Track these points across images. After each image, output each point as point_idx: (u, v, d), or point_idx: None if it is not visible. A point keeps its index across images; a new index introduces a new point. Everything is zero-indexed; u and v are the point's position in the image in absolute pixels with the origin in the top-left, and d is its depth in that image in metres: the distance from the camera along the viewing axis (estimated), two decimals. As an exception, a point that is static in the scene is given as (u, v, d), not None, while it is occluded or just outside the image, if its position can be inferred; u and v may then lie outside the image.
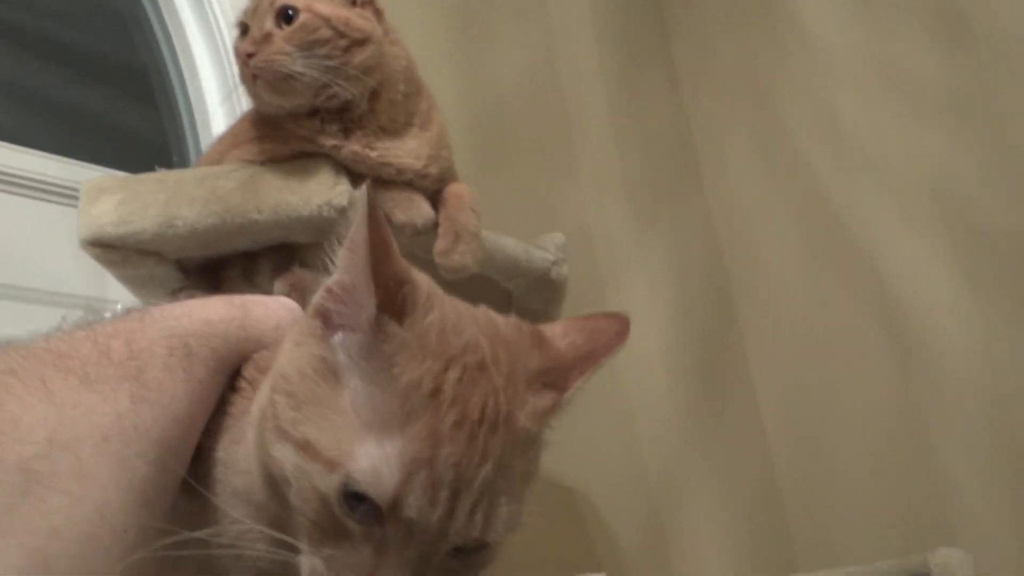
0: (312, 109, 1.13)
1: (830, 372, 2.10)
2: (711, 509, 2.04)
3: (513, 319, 0.54)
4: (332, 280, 0.50)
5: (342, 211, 1.09)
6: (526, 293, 1.43)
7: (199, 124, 1.61)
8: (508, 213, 1.66)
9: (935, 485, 1.90)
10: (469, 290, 0.55)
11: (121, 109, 1.65)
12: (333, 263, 0.50)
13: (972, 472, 1.85)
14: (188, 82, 1.62)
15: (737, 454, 2.13)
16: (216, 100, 1.58)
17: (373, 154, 1.14)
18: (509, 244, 1.37)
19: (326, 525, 0.46)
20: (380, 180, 1.15)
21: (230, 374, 0.57)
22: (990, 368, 1.85)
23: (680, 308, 2.16)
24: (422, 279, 0.51)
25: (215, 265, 1.19)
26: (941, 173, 1.95)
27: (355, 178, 1.14)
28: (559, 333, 0.54)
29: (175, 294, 1.15)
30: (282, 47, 1.07)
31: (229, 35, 1.45)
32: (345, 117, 1.14)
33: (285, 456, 0.47)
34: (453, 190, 1.23)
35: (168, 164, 1.20)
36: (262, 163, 1.15)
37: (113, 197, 1.12)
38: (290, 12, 1.09)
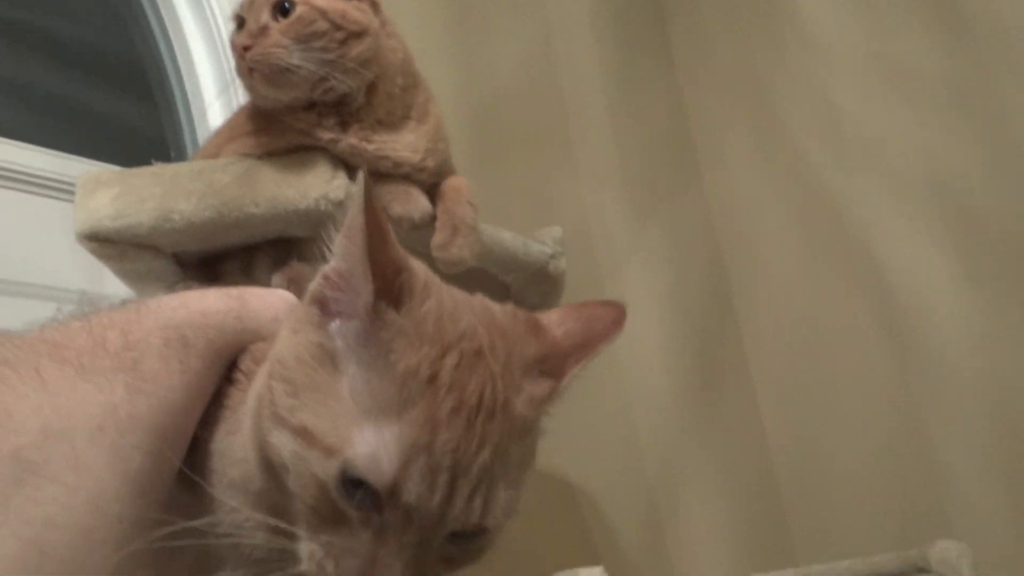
0: (309, 102, 1.13)
1: (828, 366, 2.10)
2: (709, 502, 2.04)
3: (509, 307, 0.54)
4: (329, 267, 0.50)
5: (339, 205, 1.08)
6: (524, 287, 1.43)
7: (196, 118, 1.60)
8: (506, 207, 1.66)
9: (933, 478, 1.90)
10: (467, 283, 0.54)
11: (118, 104, 1.64)
12: (330, 250, 0.50)
13: (970, 465, 1.85)
14: (185, 76, 1.62)
15: (735, 447, 2.14)
16: (213, 94, 1.57)
17: (370, 147, 1.14)
18: (507, 237, 1.37)
19: (324, 511, 0.46)
20: (377, 173, 1.15)
21: (226, 365, 0.57)
22: (988, 361, 1.85)
23: (678, 302, 2.16)
24: (419, 267, 0.51)
25: (213, 259, 1.19)
26: (940, 168, 1.95)
27: (352, 172, 1.14)
28: (555, 321, 0.54)
29: (173, 289, 1.15)
30: (278, 40, 1.07)
31: (226, 28, 1.44)
32: (342, 110, 1.14)
33: (283, 443, 0.47)
34: (451, 183, 1.23)
35: (165, 158, 1.20)
36: (259, 157, 1.15)
37: (109, 191, 1.12)
38: (286, 5, 1.08)
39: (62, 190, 1.37)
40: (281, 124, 1.15)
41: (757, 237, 2.25)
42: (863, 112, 2.09)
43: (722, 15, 2.38)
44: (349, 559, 0.45)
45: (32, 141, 1.41)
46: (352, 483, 0.45)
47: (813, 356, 2.13)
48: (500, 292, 1.41)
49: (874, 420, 2.01)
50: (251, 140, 1.16)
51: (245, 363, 0.58)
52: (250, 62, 1.07)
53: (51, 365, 0.48)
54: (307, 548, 0.47)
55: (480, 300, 0.53)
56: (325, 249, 0.51)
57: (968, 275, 1.90)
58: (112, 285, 1.25)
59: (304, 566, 0.46)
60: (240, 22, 1.12)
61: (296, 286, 0.88)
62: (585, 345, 0.53)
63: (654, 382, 2.05)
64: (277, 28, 1.07)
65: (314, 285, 0.51)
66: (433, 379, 0.46)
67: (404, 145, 1.17)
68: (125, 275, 1.18)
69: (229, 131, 1.21)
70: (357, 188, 0.48)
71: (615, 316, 0.55)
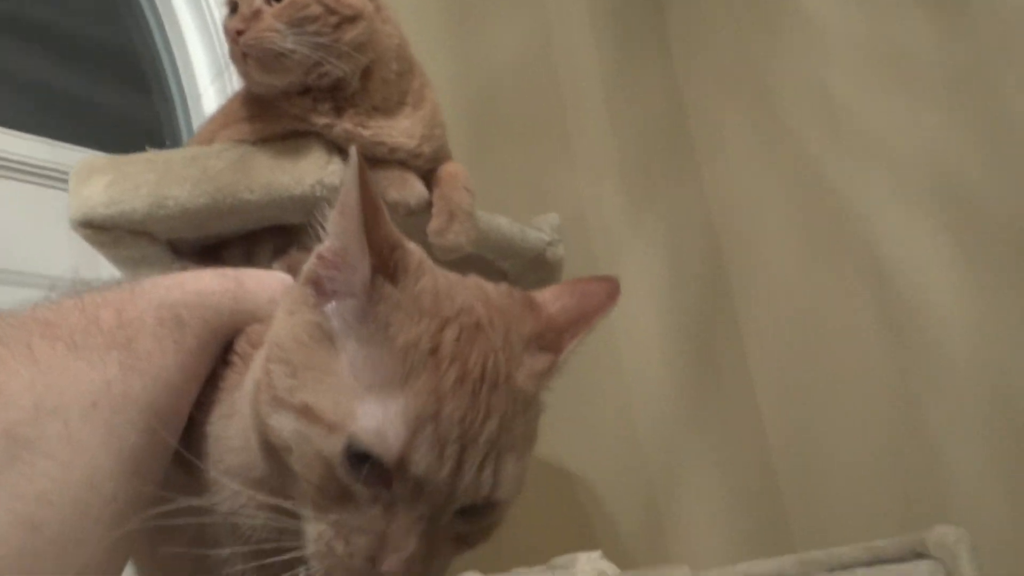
0: (304, 87, 1.12)
1: (826, 353, 2.10)
2: (708, 489, 2.04)
3: (503, 286, 0.54)
4: (324, 247, 0.50)
5: (334, 190, 1.07)
6: (521, 273, 1.43)
7: (190, 105, 1.60)
8: (503, 196, 1.65)
9: (931, 464, 1.90)
10: (463, 270, 0.54)
11: (112, 92, 1.63)
12: (323, 229, 0.50)
13: (968, 451, 1.85)
14: (179, 62, 1.61)
15: (733, 434, 2.14)
16: (207, 80, 1.57)
17: (366, 133, 1.13)
18: (504, 224, 1.37)
19: (331, 490, 0.45)
20: (373, 159, 1.15)
21: (222, 346, 0.57)
22: (986, 348, 1.85)
23: (676, 290, 2.16)
24: (413, 247, 0.51)
25: (215, 247, 1.19)
26: (938, 154, 1.95)
27: (347, 157, 1.13)
28: (550, 298, 0.54)
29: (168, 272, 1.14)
30: (272, 24, 1.06)
31: (219, 14, 1.43)
32: (337, 95, 1.13)
33: (284, 424, 0.46)
34: (447, 169, 1.23)
35: (159, 146, 1.19)
36: (253, 143, 1.14)
37: (103, 178, 1.11)
38: (280, -12, 1.07)
39: (57, 179, 1.36)
40: (276, 110, 1.14)
41: (755, 226, 2.25)
42: (861, 101, 2.08)
43: (720, 4, 2.37)
44: (359, 537, 0.45)
45: (26, 130, 1.41)
46: (358, 458, 0.44)
47: (811, 344, 2.13)
48: (497, 279, 1.39)
49: (872, 407, 2.01)
50: (245, 126, 1.15)
51: (241, 345, 0.57)
52: (243, 47, 1.06)
53: (43, 343, 0.48)
54: (314, 529, 0.46)
55: (474, 280, 0.53)
56: (319, 227, 0.50)
57: (965, 259, 1.89)
58: (107, 274, 1.24)
59: (312, 548, 0.46)
60: (233, 7, 1.11)
61: (295, 273, 0.88)
62: (581, 319, 0.53)
63: (652, 369, 2.05)
64: (270, 12, 1.07)
65: (308, 265, 0.51)
66: (435, 351, 0.46)
67: (400, 131, 1.16)
68: (120, 262, 1.17)
69: (223, 117, 1.21)
70: (350, 165, 0.47)
71: (609, 290, 0.54)
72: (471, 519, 0.47)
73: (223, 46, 1.26)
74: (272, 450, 0.48)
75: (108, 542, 0.46)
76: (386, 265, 0.48)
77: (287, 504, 0.47)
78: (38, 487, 0.44)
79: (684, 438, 2.05)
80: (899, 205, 2.01)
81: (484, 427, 0.45)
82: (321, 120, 1.12)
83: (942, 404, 1.91)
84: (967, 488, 1.84)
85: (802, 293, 2.16)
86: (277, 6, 1.06)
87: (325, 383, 0.46)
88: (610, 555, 1.12)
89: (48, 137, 1.42)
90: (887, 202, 2.02)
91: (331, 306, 0.49)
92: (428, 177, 1.21)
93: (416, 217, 1.17)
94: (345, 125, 1.13)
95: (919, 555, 1.28)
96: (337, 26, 1.08)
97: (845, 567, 1.30)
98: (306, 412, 0.46)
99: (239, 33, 1.06)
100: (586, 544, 1.06)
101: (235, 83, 1.25)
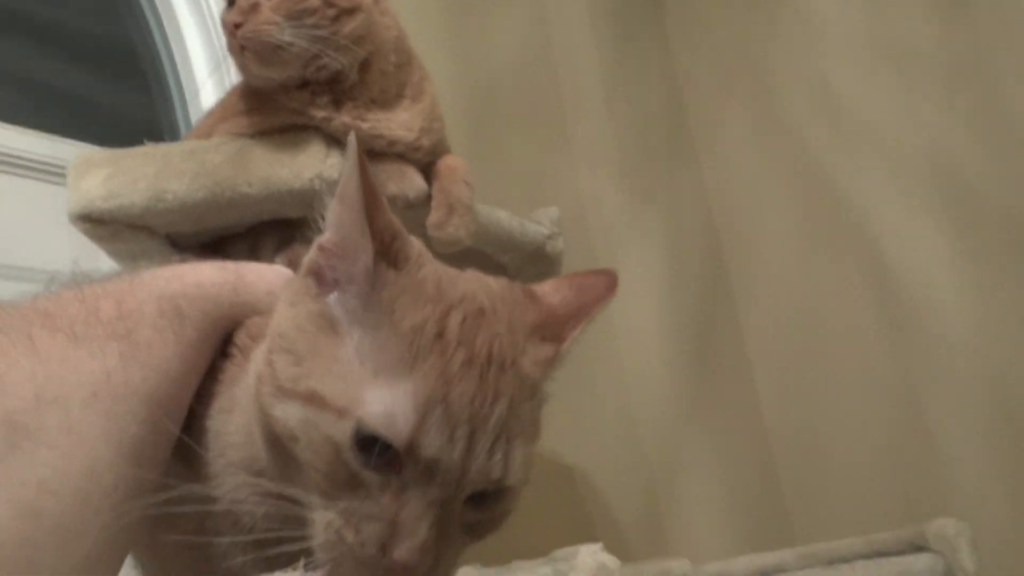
0: (302, 80, 1.12)
1: (826, 346, 2.10)
2: (708, 483, 2.04)
3: (503, 279, 0.54)
4: (324, 237, 0.50)
5: (333, 184, 1.07)
6: (521, 267, 1.43)
7: (188, 99, 1.59)
8: (502, 189, 1.65)
9: (931, 457, 1.90)
10: (463, 264, 0.55)
11: (110, 86, 1.63)
12: (323, 219, 0.50)
13: (968, 443, 1.85)
14: (176, 56, 1.61)
15: (733, 428, 2.14)
16: (204, 73, 1.56)
17: (364, 126, 1.13)
18: (503, 217, 1.37)
19: (340, 477, 0.45)
20: (372, 152, 1.14)
21: (222, 339, 0.57)
22: (986, 341, 1.85)
23: (675, 283, 2.16)
24: (413, 239, 0.51)
25: (220, 242, 1.19)
26: (937, 145, 1.94)
27: (346, 150, 1.12)
28: (549, 291, 0.54)
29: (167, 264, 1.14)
30: (270, 17, 1.05)
31: (217, 7, 1.43)
32: (336, 88, 1.13)
33: (290, 413, 0.46)
34: (446, 162, 1.22)
35: (158, 140, 1.19)
36: (252, 136, 1.14)
37: (101, 171, 1.11)
38: (278, -19, 1.07)
39: (56, 174, 1.36)
40: (274, 103, 1.14)
41: (754, 218, 2.24)
42: (860, 93, 2.08)
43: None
44: (370, 525, 0.44)
45: (24, 126, 1.40)
46: (367, 443, 0.44)
47: (810, 336, 2.13)
48: (497, 273, 1.38)
49: (872, 400, 2.01)
50: (244, 119, 1.15)
51: (240, 338, 0.57)
52: (241, 40, 1.06)
53: (43, 333, 0.48)
54: (323, 518, 0.45)
55: (473, 273, 0.54)
56: (319, 217, 0.50)
57: (964, 251, 1.89)
58: (106, 269, 1.24)
59: (320, 537, 0.45)
60: (231, 0, 1.10)
61: (297, 267, 0.88)
62: (581, 310, 0.53)
63: (651, 362, 2.05)
64: (268, 5, 1.06)
65: (309, 257, 0.51)
66: (440, 335, 0.46)
67: (398, 123, 1.16)
68: (119, 256, 1.17)
69: (222, 110, 1.20)
70: (348, 153, 0.48)
71: (608, 282, 0.55)
72: (481, 507, 0.47)
73: (221, 39, 1.26)
74: (277, 442, 0.48)
75: (109, 532, 0.46)
76: (388, 251, 0.48)
77: (292, 490, 0.47)
78: (39, 476, 0.44)
79: (684, 432, 2.05)
80: (899, 198, 2.00)
81: (494, 409, 0.45)
82: (320, 113, 1.12)
83: (942, 398, 1.91)
84: (967, 481, 1.84)
85: (802, 287, 2.15)
86: (275, -1, 1.06)
87: (331, 370, 0.46)
88: (610, 549, 1.12)
89: (46, 132, 1.42)
90: (887, 196, 2.02)
91: (334, 296, 0.49)
92: (427, 170, 1.21)
93: (415, 210, 1.17)
94: (343, 118, 1.12)
95: (919, 548, 1.28)
96: (335, 18, 1.08)
97: (845, 560, 1.30)
98: (313, 399, 0.45)
99: (237, 26, 1.06)
100: (586, 538, 1.06)
101: (233, 76, 1.24)
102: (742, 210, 2.27)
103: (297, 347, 0.48)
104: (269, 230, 1.16)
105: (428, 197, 1.19)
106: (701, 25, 2.38)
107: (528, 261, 1.44)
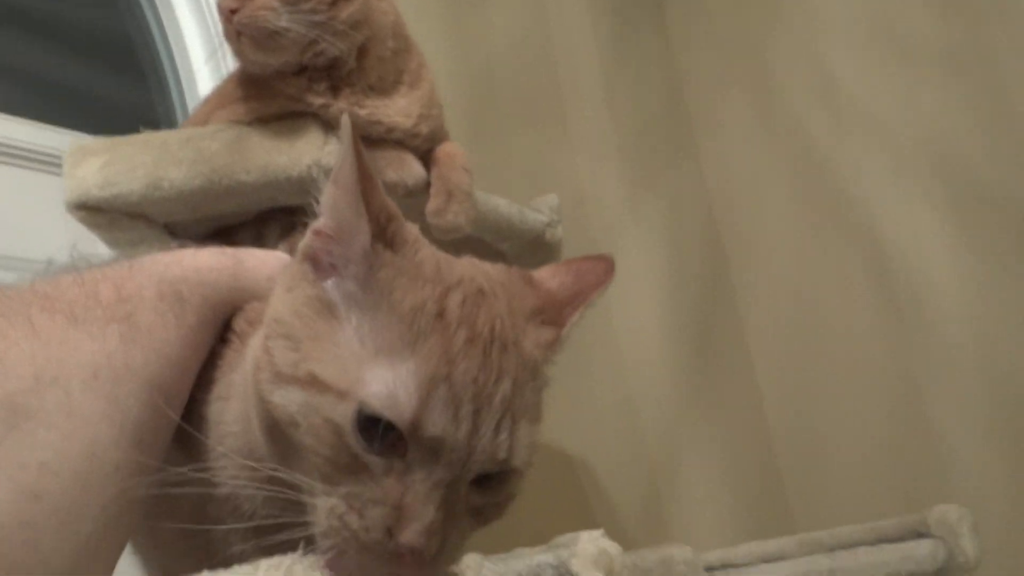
0: (299, 67, 1.11)
1: (826, 334, 2.09)
2: (709, 471, 2.04)
3: (500, 265, 0.54)
4: (319, 222, 0.50)
5: (331, 171, 1.07)
6: (520, 255, 1.42)
7: (185, 86, 1.58)
8: (501, 177, 1.65)
9: (932, 444, 1.90)
10: (462, 251, 0.54)
11: (106, 75, 1.62)
12: (318, 203, 0.50)
13: (968, 430, 1.85)
14: (172, 42, 1.60)
15: (734, 416, 2.14)
16: (201, 59, 1.55)
17: (362, 112, 1.12)
18: (502, 205, 1.36)
19: (342, 461, 0.44)
20: (369, 139, 1.13)
21: (222, 324, 0.57)
22: (985, 326, 1.85)
23: (675, 271, 2.16)
24: (410, 224, 0.50)
25: (227, 230, 1.18)
26: (939, 136, 1.94)
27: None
28: (547, 276, 0.54)
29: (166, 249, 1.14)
30: (266, 2, 1.04)
31: (213, -7, 1.42)
32: (333, 75, 1.12)
33: (289, 399, 0.45)
34: (445, 149, 1.22)
35: (154, 128, 1.18)
36: (249, 123, 1.13)
37: (98, 159, 1.10)
38: (274, -35, 1.06)
39: (53, 164, 1.35)
40: (271, 90, 1.13)
41: (754, 207, 2.24)
42: (861, 80, 2.07)
43: (718, -17, 2.35)
44: (374, 509, 0.43)
45: (20, 115, 1.40)
46: (370, 425, 0.43)
47: (811, 325, 2.12)
48: (496, 260, 1.39)
49: (873, 387, 2.01)
50: (241, 106, 1.14)
51: (239, 323, 0.57)
52: (237, 25, 1.05)
53: (43, 315, 0.48)
54: (326, 503, 0.44)
55: (470, 259, 0.53)
56: (313, 202, 0.50)
57: (964, 238, 1.89)
58: (104, 255, 1.23)
59: (323, 523, 0.44)
60: (227, -15, 1.09)
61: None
62: (580, 294, 0.53)
63: (651, 351, 2.05)
64: (264, -10, 1.05)
65: (305, 242, 0.51)
66: (441, 315, 0.46)
67: (396, 110, 1.15)
68: (116, 245, 1.16)
69: (218, 98, 1.20)
70: (343, 135, 0.47)
71: (605, 267, 0.55)
72: (487, 490, 0.47)
73: (217, 26, 1.25)
74: (276, 429, 0.47)
75: (109, 515, 0.46)
76: (384, 233, 0.47)
77: (293, 475, 0.46)
78: (39, 458, 0.43)
79: (685, 419, 2.05)
80: (899, 186, 2.00)
81: (498, 388, 0.45)
82: (317, 100, 1.11)
83: (943, 385, 1.90)
84: (968, 468, 1.84)
85: (802, 277, 2.15)
86: (272, -17, 1.05)
87: (331, 353, 0.45)
88: (612, 537, 1.12)
89: (42, 122, 1.41)
90: (888, 186, 2.01)
91: (331, 282, 0.48)
92: (425, 158, 1.20)
93: (414, 198, 1.16)
94: (341, 105, 1.11)
95: (920, 534, 1.27)
96: (333, 3, 1.07)
97: (846, 547, 1.30)
98: (313, 382, 0.45)
99: (233, 12, 1.05)
100: (588, 526, 1.05)
101: (230, 63, 1.23)
102: (741, 197, 2.26)
103: (295, 332, 0.47)
104: (274, 218, 1.16)
105: (427, 184, 1.18)
106: (701, 15, 2.37)
107: (527, 249, 1.43)
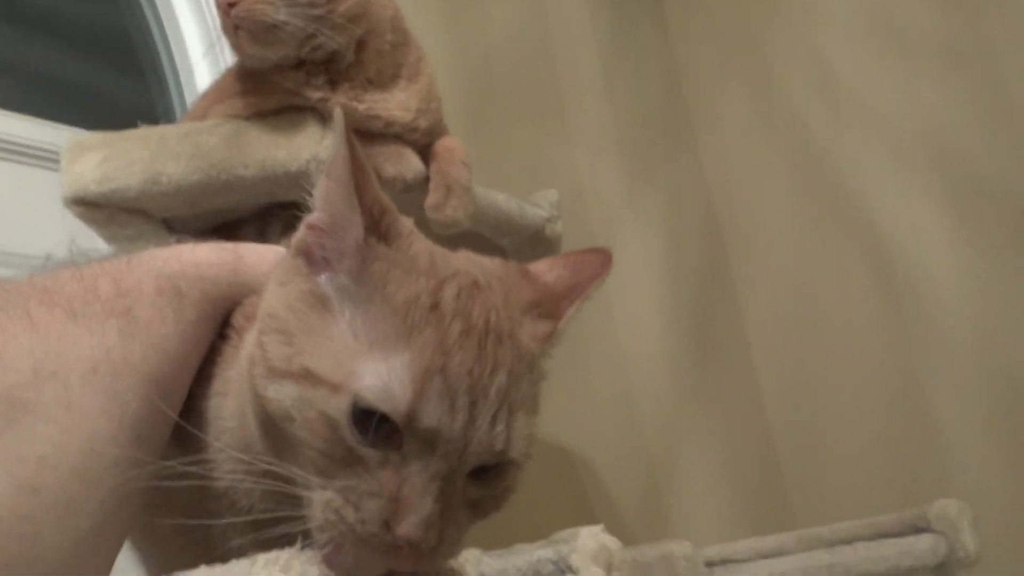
0: (297, 61, 1.10)
1: (825, 328, 2.09)
2: (708, 466, 2.04)
3: (497, 259, 0.53)
4: (313, 216, 0.50)
5: (331, 165, 1.06)
6: (520, 250, 1.42)
7: (183, 80, 1.58)
8: (501, 172, 1.64)
9: (931, 438, 1.90)
10: (461, 247, 0.54)
11: (104, 70, 1.62)
12: (311, 196, 0.49)
13: (968, 424, 1.85)
14: (170, 37, 1.59)
15: (733, 411, 2.13)
16: (199, 54, 1.55)
17: (361, 107, 1.12)
18: (502, 200, 1.36)
19: (337, 455, 0.44)
20: (368, 133, 1.13)
21: (221, 320, 0.56)
22: (984, 320, 1.85)
23: (674, 265, 2.15)
24: (404, 218, 0.50)
25: (231, 225, 1.18)
26: (935, 124, 1.93)
27: (341, 129, 1.11)
28: (544, 269, 0.54)
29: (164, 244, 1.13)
30: (264, -5, 1.04)
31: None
32: (331, 69, 1.12)
33: (283, 393, 0.45)
34: (444, 144, 1.21)
35: (152, 123, 1.18)
36: (247, 118, 1.12)
37: (96, 155, 1.10)
38: (272, -42, 1.05)
39: (51, 159, 1.35)
40: (269, 84, 1.12)
41: (753, 200, 2.23)
42: (860, 73, 2.07)
43: (715, -25, 2.35)
44: (371, 502, 0.43)
45: (17, 111, 1.39)
46: (364, 417, 0.43)
47: (810, 318, 2.12)
48: (495, 256, 1.39)
49: (872, 382, 2.00)
50: (239, 101, 1.14)
51: (237, 319, 0.57)
52: (235, 19, 1.04)
53: (42, 309, 0.48)
54: (322, 497, 0.44)
55: (465, 253, 0.53)
56: (306, 195, 0.50)
57: (964, 231, 1.88)
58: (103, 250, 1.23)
59: (319, 517, 0.44)
60: (224, -22, 1.09)
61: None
62: (577, 287, 0.53)
63: (651, 345, 2.04)
64: (262, -17, 1.04)
65: (298, 236, 0.51)
66: (435, 307, 0.45)
67: (395, 104, 1.15)
68: (115, 241, 1.16)
69: (217, 92, 1.19)
70: (335, 128, 0.47)
71: (602, 260, 0.55)
72: (484, 482, 0.46)
73: (215, 19, 1.24)
74: (271, 424, 0.47)
75: (108, 509, 0.46)
76: (378, 226, 0.47)
77: (289, 469, 0.46)
78: (38, 452, 0.43)
79: (684, 414, 2.05)
80: (898, 179, 1.99)
81: (494, 379, 0.45)
82: (315, 94, 1.11)
83: (943, 379, 1.90)
84: (968, 462, 1.84)
85: (801, 270, 2.15)
86: (269, -23, 1.04)
87: (324, 347, 0.45)
88: (611, 532, 1.12)
89: (40, 118, 1.41)
90: (886, 175, 2.01)
91: (324, 276, 0.48)
92: (424, 152, 1.20)
93: (413, 192, 1.16)
94: (340, 99, 1.11)
95: (920, 529, 1.27)
96: (330, -3, 1.06)
97: (846, 542, 1.30)
98: (307, 376, 0.45)
99: (231, 5, 1.04)
100: (587, 521, 1.05)
101: (228, 57, 1.23)
102: (741, 190, 2.26)
103: (288, 326, 0.47)
104: (277, 214, 1.16)
105: (426, 179, 1.18)
106: (700, 7, 2.36)
107: (527, 244, 1.43)
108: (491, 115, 1.86)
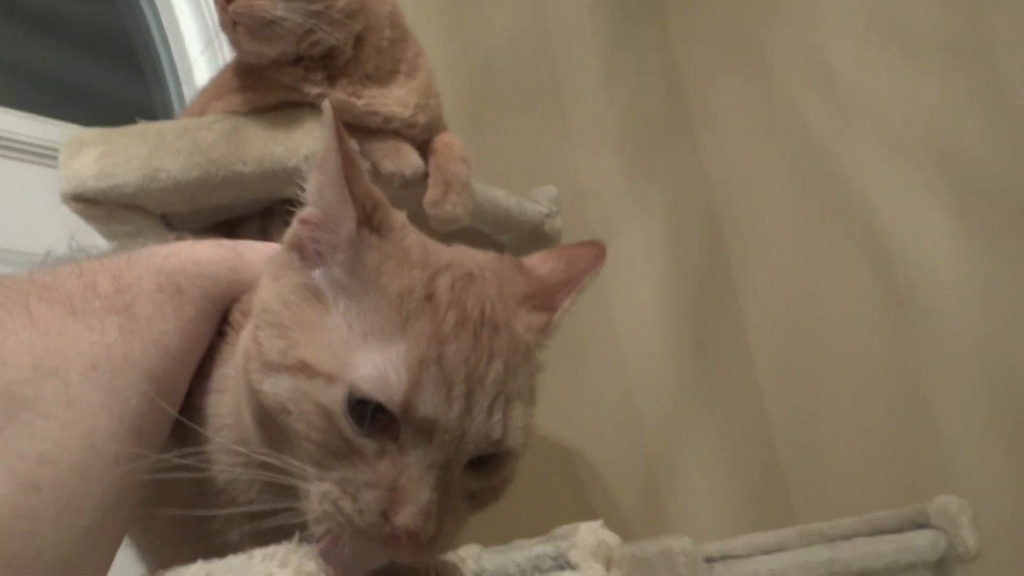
0: (296, 56, 1.10)
1: (825, 324, 2.09)
2: (708, 462, 2.04)
3: (491, 252, 0.53)
4: (305, 211, 0.50)
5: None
6: (519, 246, 1.42)
7: (181, 77, 1.58)
8: (500, 168, 1.64)
9: (931, 435, 1.90)
10: (460, 243, 0.54)
11: (102, 67, 1.61)
12: (303, 190, 0.49)
13: (968, 421, 1.85)
14: (169, 34, 1.59)
15: (733, 407, 2.14)
16: (197, 49, 1.54)
17: (359, 102, 1.12)
18: (501, 196, 1.36)
19: (334, 446, 0.44)
20: (367, 129, 1.13)
21: (220, 317, 0.56)
22: (985, 318, 1.85)
23: (674, 262, 2.15)
24: (397, 211, 0.50)
25: (233, 223, 1.18)
26: (936, 122, 1.93)
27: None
28: (538, 262, 0.54)
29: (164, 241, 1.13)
30: (262, -9, 1.04)
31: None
32: (330, 64, 1.11)
33: (279, 387, 0.45)
34: (442, 140, 1.21)
35: (151, 119, 1.17)
36: (246, 114, 1.12)
37: (94, 150, 1.10)
38: (269, -45, 1.05)
39: (49, 156, 1.35)
40: (268, 80, 1.12)
41: (752, 197, 2.23)
42: (860, 72, 2.07)
43: (715, -27, 2.34)
44: (368, 492, 0.43)
45: (16, 107, 1.39)
46: (360, 408, 0.43)
47: (810, 315, 2.12)
48: (495, 252, 1.39)
49: (872, 378, 2.00)
50: (237, 97, 1.14)
51: (234, 315, 0.57)
52: (233, 15, 1.04)
53: (41, 305, 0.47)
54: (319, 489, 0.44)
55: (459, 246, 0.53)
56: (299, 192, 0.50)
57: (963, 227, 1.88)
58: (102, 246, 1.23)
59: (317, 509, 0.44)
60: (222, -26, 1.09)
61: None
62: (571, 280, 0.53)
63: (650, 341, 2.04)
64: (260, -21, 1.04)
65: (291, 231, 0.51)
66: (430, 297, 0.45)
67: (394, 100, 1.15)
68: (113, 237, 1.16)
69: (215, 88, 1.19)
70: (324, 121, 0.47)
71: (596, 252, 0.55)
72: (482, 473, 0.46)
73: (213, 16, 1.24)
74: (267, 418, 0.47)
75: (108, 505, 0.46)
76: (370, 219, 0.47)
77: (286, 461, 0.46)
78: (38, 448, 0.43)
79: (684, 411, 2.05)
80: (897, 174, 1.99)
81: (490, 368, 0.45)
82: (314, 90, 1.10)
83: (942, 375, 1.90)
84: (968, 459, 1.84)
85: (801, 266, 2.15)
86: (267, -27, 1.04)
87: (319, 339, 0.45)
88: (611, 528, 1.12)
89: (39, 114, 1.40)
90: (885, 171, 2.01)
91: (318, 271, 0.48)
92: (423, 148, 1.19)
93: (412, 188, 1.15)
94: (338, 95, 1.11)
95: (920, 525, 1.27)
96: (329, -8, 1.06)
97: (846, 538, 1.30)
98: (303, 368, 0.45)
99: (229, 1, 1.04)
100: (587, 517, 1.05)
101: (226, 53, 1.23)
102: (741, 189, 2.26)
103: (283, 320, 0.47)
104: (279, 211, 1.15)
105: (425, 175, 1.17)
106: (700, 6, 2.36)
107: (526, 240, 1.43)
108: (491, 113, 1.86)
